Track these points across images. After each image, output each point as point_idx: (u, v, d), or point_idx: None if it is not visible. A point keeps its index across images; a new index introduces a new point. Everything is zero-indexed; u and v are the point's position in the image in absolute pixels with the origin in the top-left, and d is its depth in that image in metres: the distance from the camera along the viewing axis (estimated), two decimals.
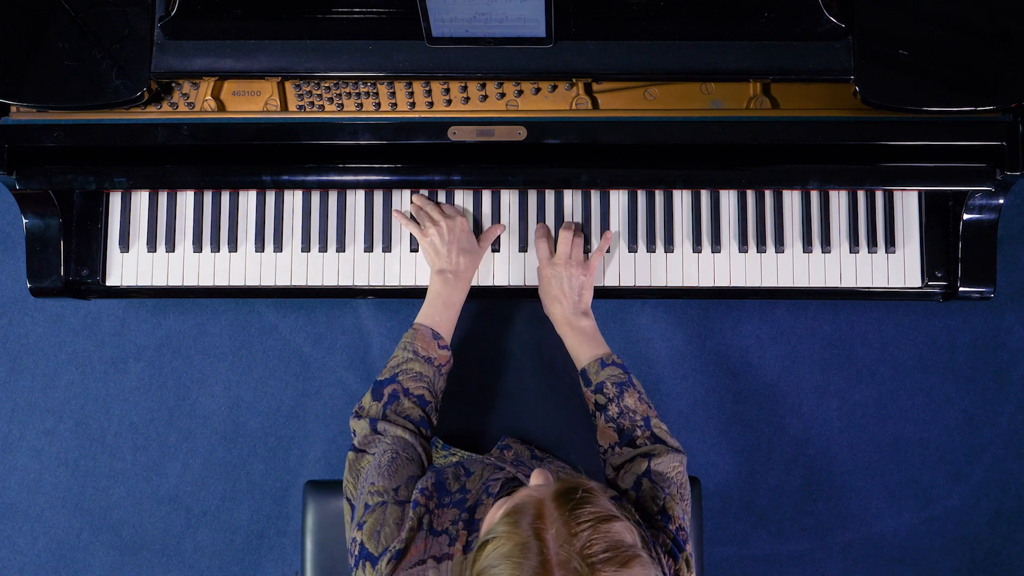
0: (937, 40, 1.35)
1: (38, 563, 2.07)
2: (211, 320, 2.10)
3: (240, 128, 1.43)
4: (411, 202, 1.51)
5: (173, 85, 1.44)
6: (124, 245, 1.53)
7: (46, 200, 1.48)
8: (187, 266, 1.54)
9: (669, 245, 1.51)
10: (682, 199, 1.52)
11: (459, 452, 1.43)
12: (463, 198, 1.52)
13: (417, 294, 1.48)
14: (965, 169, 1.41)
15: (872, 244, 1.51)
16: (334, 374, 2.09)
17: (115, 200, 1.54)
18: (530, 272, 1.51)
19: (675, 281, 1.52)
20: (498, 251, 1.52)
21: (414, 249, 1.52)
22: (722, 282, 1.51)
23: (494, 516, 0.92)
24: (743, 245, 1.51)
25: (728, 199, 1.52)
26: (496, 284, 1.52)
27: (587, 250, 1.50)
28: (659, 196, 1.52)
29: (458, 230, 1.45)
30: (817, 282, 1.51)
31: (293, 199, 1.53)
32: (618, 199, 1.52)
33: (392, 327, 2.08)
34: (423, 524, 1.07)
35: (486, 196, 1.52)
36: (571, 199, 1.52)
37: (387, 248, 1.52)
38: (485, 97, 1.44)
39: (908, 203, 1.52)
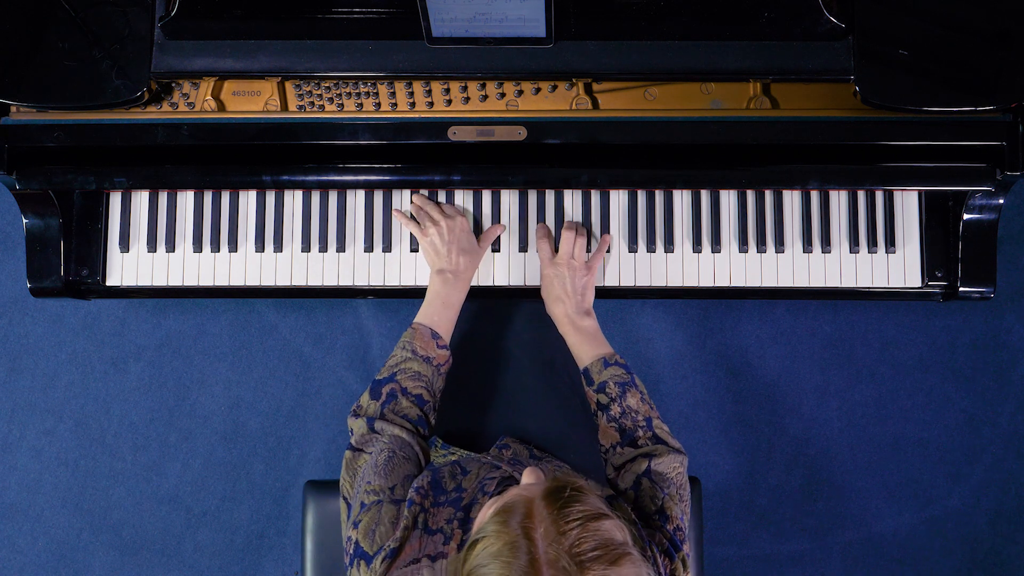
0: (937, 40, 1.35)
1: (38, 563, 2.07)
2: (211, 320, 2.10)
3: (240, 128, 1.43)
4: (411, 202, 1.51)
5: (173, 85, 1.44)
6: (124, 245, 1.53)
7: (46, 200, 1.48)
8: (187, 266, 1.54)
9: (669, 245, 1.51)
10: (682, 199, 1.52)
11: (458, 451, 1.44)
12: (463, 198, 1.52)
13: (417, 294, 1.48)
14: (965, 169, 1.41)
15: (872, 244, 1.51)
16: (334, 374, 2.09)
17: (115, 200, 1.54)
18: (530, 272, 1.51)
19: (675, 281, 1.52)
20: (498, 251, 1.52)
21: (414, 249, 1.52)
22: (722, 282, 1.51)
23: (484, 515, 0.92)
24: (743, 245, 1.51)
25: (728, 199, 1.52)
26: (496, 284, 1.52)
27: (588, 250, 1.50)
28: (659, 196, 1.52)
29: (458, 230, 1.45)
30: (817, 282, 1.51)
31: (293, 199, 1.53)
32: (618, 199, 1.52)
33: (392, 327, 2.08)
34: (418, 523, 1.07)
35: (486, 196, 1.52)
36: (571, 199, 1.52)
37: (387, 248, 1.52)
38: (485, 97, 1.44)
39: (908, 203, 1.52)
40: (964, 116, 1.38)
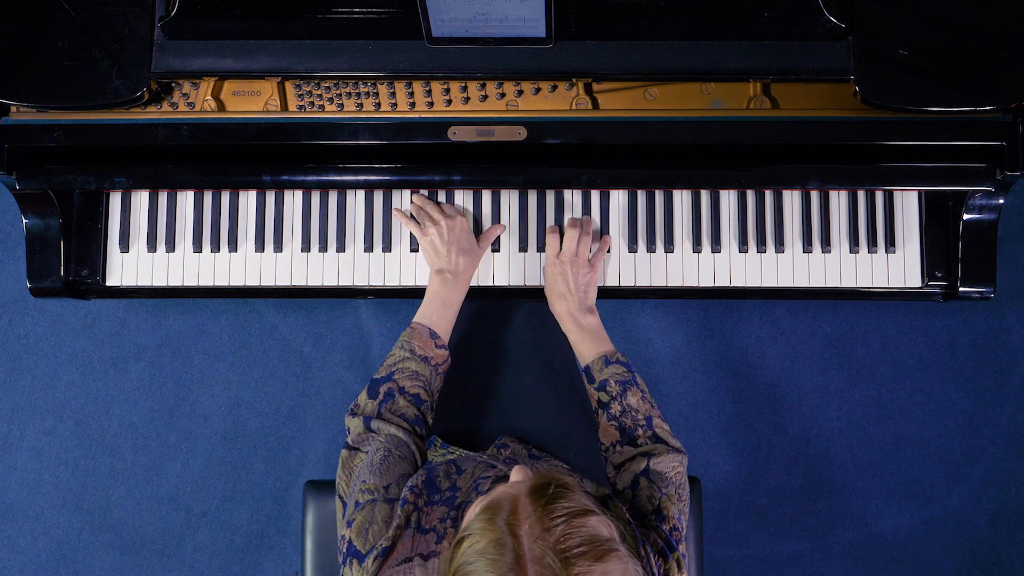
0: (937, 40, 1.35)
1: (38, 563, 2.07)
2: (211, 320, 2.10)
3: (240, 128, 1.43)
4: (411, 202, 1.51)
5: (173, 85, 1.44)
6: (124, 245, 1.54)
7: (46, 200, 1.48)
8: (187, 266, 1.54)
9: (669, 245, 1.51)
10: (682, 199, 1.52)
11: (457, 451, 1.44)
12: (463, 198, 1.52)
13: (417, 294, 1.48)
14: (965, 169, 1.41)
15: (872, 244, 1.51)
16: (334, 374, 2.09)
17: (115, 200, 1.54)
18: (530, 272, 1.51)
19: (675, 281, 1.51)
20: (498, 251, 1.52)
21: (414, 249, 1.52)
22: (722, 282, 1.51)
23: (471, 513, 0.93)
24: (743, 245, 1.51)
25: (728, 199, 1.52)
26: (496, 284, 1.52)
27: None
28: (659, 196, 1.52)
29: (458, 230, 1.45)
30: (817, 282, 1.51)
31: (293, 199, 1.53)
32: (618, 199, 1.52)
33: (392, 327, 2.09)
34: (411, 522, 1.07)
35: (486, 196, 1.52)
36: (571, 199, 1.52)
37: (387, 248, 1.52)
38: (485, 97, 1.44)
39: (908, 203, 1.52)
40: (964, 116, 1.38)
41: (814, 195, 1.52)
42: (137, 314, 2.10)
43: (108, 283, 1.54)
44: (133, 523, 2.07)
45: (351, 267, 1.53)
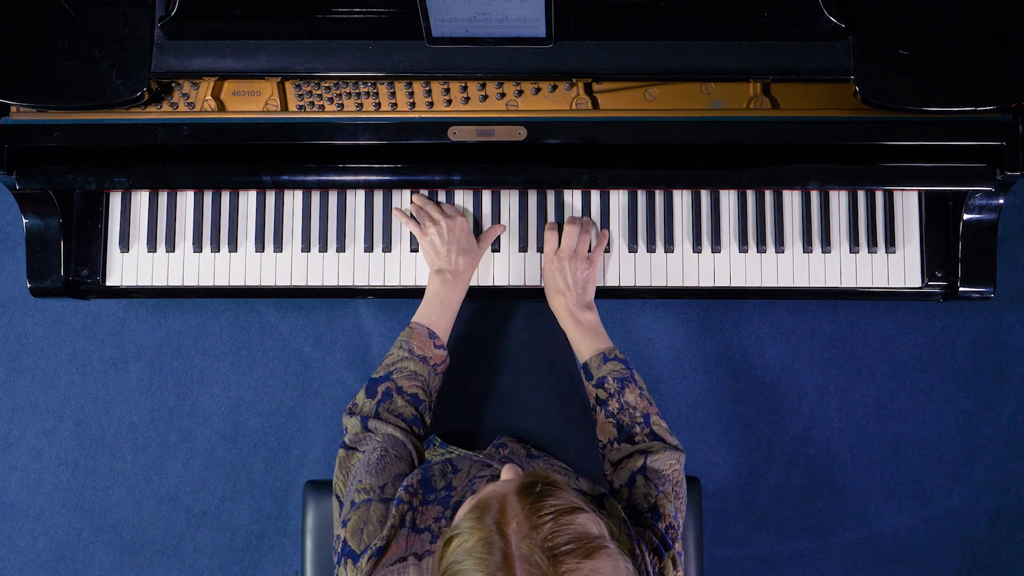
0: (937, 40, 1.35)
1: (38, 563, 2.07)
2: (211, 320, 2.10)
3: (240, 128, 1.43)
4: (411, 202, 1.51)
5: (173, 85, 1.44)
6: (124, 245, 1.54)
7: (46, 200, 1.48)
8: (187, 266, 1.54)
9: (669, 245, 1.51)
10: (682, 199, 1.52)
11: (456, 450, 1.44)
12: (463, 198, 1.52)
13: (417, 294, 1.48)
14: (965, 169, 1.41)
15: (872, 244, 1.51)
16: (334, 374, 2.09)
17: (115, 200, 1.54)
18: (530, 272, 1.51)
19: (675, 281, 1.51)
20: (498, 251, 1.52)
21: (414, 249, 1.52)
22: (722, 282, 1.51)
23: (461, 512, 0.93)
24: (743, 245, 1.51)
25: (728, 199, 1.52)
26: (496, 284, 1.52)
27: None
28: (659, 196, 1.52)
29: (458, 230, 1.45)
30: (817, 282, 1.51)
31: (293, 199, 1.53)
32: (618, 199, 1.52)
33: (392, 327, 2.09)
34: (405, 521, 1.07)
35: (486, 196, 1.52)
36: (571, 199, 1.52)
37: (387, 248, 1.52)
38: (485, 97, 1.44)
39: (908, 203, 1.52)
40: (964, 116, 1.38)
41: (814, 195, 1.52)
42: (137, 314, 2.10)
43: (108, 283, 1.54)
44: (133, 523, 2.07)
45: (351, 267, 1.53)
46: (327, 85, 1.43)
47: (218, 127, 1.43)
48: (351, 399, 1.30)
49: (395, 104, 1.44)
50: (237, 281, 1.54)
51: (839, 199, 1.52)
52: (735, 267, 1.51)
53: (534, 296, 1.50)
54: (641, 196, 1.51)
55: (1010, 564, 2.06)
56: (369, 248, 1.53)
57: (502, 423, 1.48)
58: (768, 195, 1.52)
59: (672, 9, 1.32)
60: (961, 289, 1.49)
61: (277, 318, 2.10)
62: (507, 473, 0.97)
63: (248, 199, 1.54)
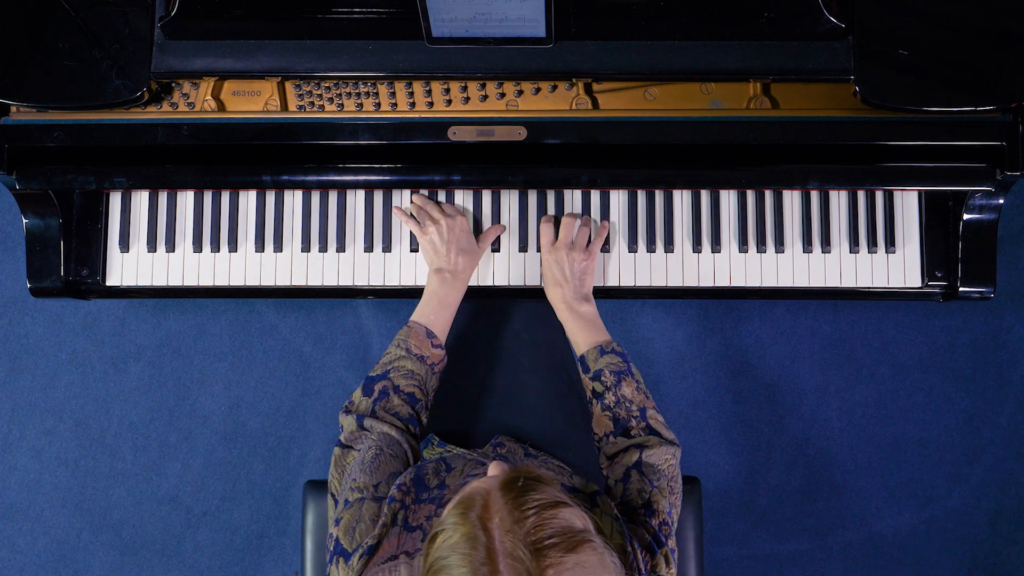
0: (937, 40, 1.35)
1: (38, 563, 2.07)
2: (211, 320, 2.10)
3: (240, 128, 1.43)
4: (411, 202, 1.51)
5: (173, 85, 1.44)
6: (124, 245, 1.54)
7: (46, 200, 1.48)
8: (187, 266, 1.54)
9: (669, 245, 1.51)
10: (682, 199, 1.52)
11: (455, 449, 1.43)
12: (463, 198, 1.52)
13: (417, 294, 1.48)
14: (965, 169, 1.41)
15: (872, 244, 1.51)
16: (334, 374, 2.09)
17: (115, 200, 1.54)
18: (530, 272, 1.52)
19: (675, 281, 1.51)
20: (498, 251, 1.52)
21: (414, 249, 1.52)
22: (722, 282, 1.51)
23: (447, 509, 0.93)
24: (743, 245, 1.51)
25: (728, 199, 1.52)
26: (495, 284, 1.52)
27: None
28: (659, 196, 1.52)
29: (458, 229, 1.45)
30: (817, 282, 1.51)
31: (293, 199, 1.53)
32: (618, 199, 1.52)
33: (392, 327, 2.09)
34: (397, 520, 1.07)
35: (486, 196, 1.52)
36: (571, 199, 1.52)
37: (387, 248, 1.52)
38: (485, 97, 1.44)
39: (908, 203, 1.52)
40: (964, 116, 1.38)
41: (814, 195, 1.52)
42: (137, 314, 2.10)
43: (108, 283, 1.54)
44: (133, 523, 2.07)
45: (351, 267, 1.53)
46: (327, 85, 1.43)
47: (218, 127, 1.43)
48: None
49: (395, 104, 1.44)
50: (237, 281, 1.54)
51: (839, 199, 1.52)
52: (735, 267, 1.51)
53: (534, 296, 1.50)
54: (641, 196, 1.51)
55: (1010, 564, 2.06)
56: (369, 248, 1.53)
57: (500, 422, 1.48)
58: (768, 195, 1.52)
59: (672, 9, 1.32)
60: (961, 289, 1.49)
61: (277, 318, 2.10)
62: (493, 470, 0.97)
63: (248, 199, 1.54)
